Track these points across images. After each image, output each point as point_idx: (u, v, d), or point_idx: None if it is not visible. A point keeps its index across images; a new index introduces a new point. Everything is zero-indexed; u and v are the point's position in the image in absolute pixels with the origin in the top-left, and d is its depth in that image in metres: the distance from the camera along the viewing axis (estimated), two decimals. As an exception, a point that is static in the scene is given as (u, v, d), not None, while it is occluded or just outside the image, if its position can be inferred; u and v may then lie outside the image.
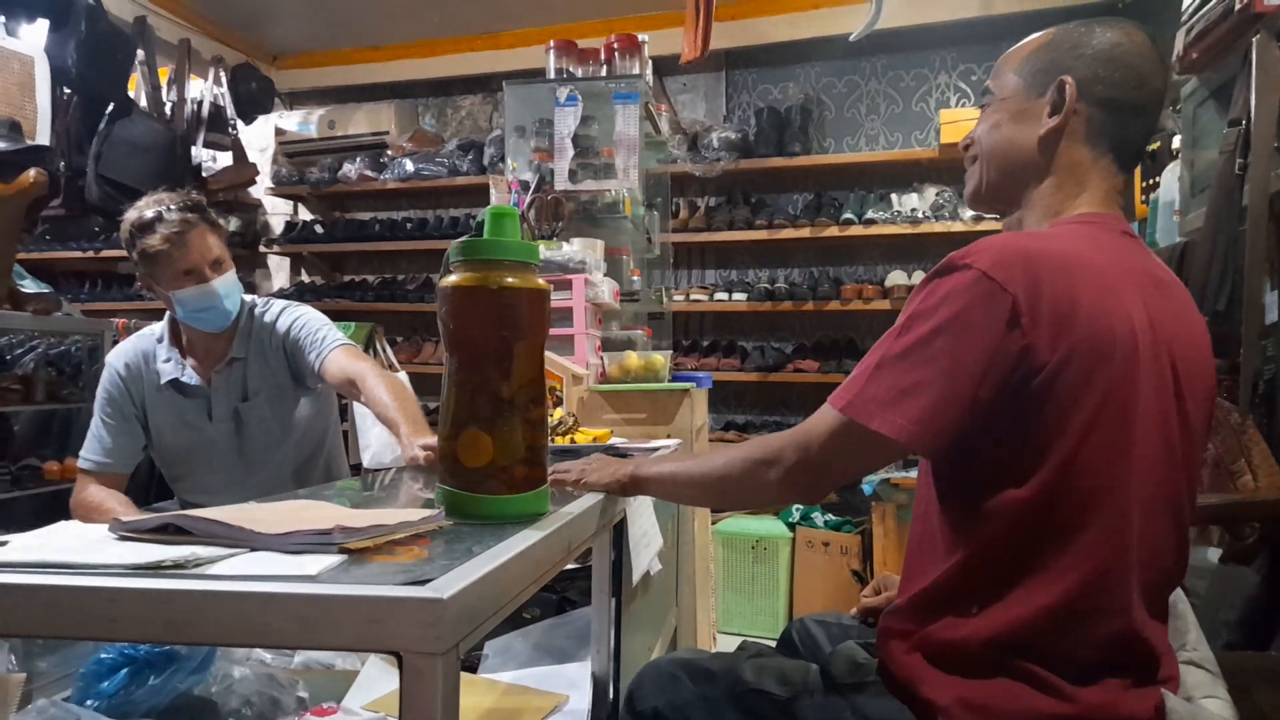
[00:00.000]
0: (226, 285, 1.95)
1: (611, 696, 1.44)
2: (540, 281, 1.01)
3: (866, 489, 3.57)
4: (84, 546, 0.78)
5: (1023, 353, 0.92)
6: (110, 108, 3.70)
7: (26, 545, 0.79)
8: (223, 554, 0.75)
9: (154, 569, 0.71)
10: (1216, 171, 1.84)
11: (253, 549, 0.78)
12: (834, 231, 4.02)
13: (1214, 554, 1.72)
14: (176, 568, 0.71)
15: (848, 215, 4.02)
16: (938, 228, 3.84)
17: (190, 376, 2.01)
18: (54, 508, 3.27)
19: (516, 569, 0.79)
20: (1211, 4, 1.95)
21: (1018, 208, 1.15)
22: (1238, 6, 1.83)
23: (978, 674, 0.95)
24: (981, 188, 1.17)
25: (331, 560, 0.74)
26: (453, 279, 0.97)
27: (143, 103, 4.06)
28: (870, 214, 3.99)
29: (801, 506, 3.78)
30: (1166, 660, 1.02)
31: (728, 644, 3.43)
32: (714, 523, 3.60)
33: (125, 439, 2.01)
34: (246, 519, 0.82)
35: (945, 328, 0.93)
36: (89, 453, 2.00)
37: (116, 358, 2.05)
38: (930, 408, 0.93)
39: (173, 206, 1.89)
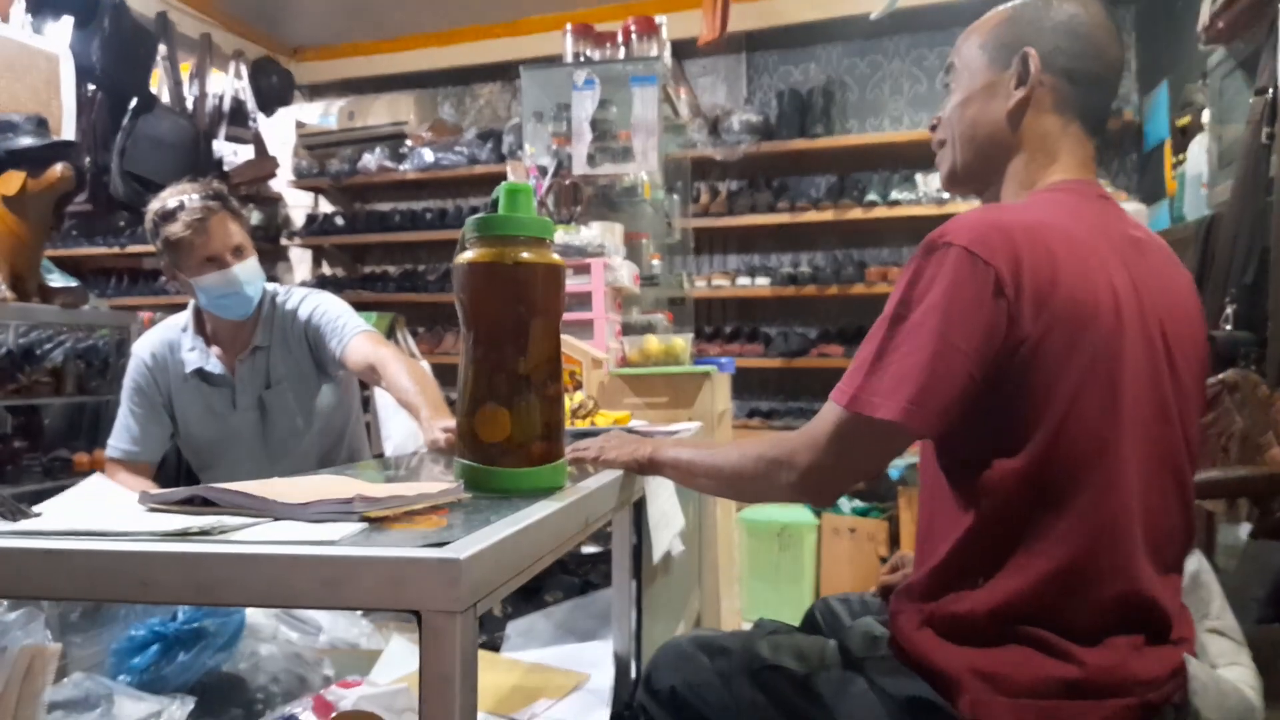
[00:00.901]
0: (248, 271, 1.97)
1: (634, 675, 1.44)
2: (555, 257, 1.01)
3: (893, 474, 3.55)
4: (115, 516, 0.80)
5: (1009, 323, 0.93)
6: (134, 104, 3.75)
7: (61, 510, 0.81)
8: (247, 523, 0.77)
9: (182, 535, 0.72)
10: (1243, 142, 1.81)
11: (276, 518, 0.79)
12: (858, 214, 4.00)
13: (1245, 530, 1.70)
14: (204, 534, 0.72)
15: (871, 197, 4.00)
16: (962, 207, 3.80)
17: (215, 365, 2.04)
18: (86, 497, 3.32)
19: (533, 536, 0.79)
20: (1238, -28, 1.92)
21: (992, 185, 1.16)
22: (1265, -26, 1.79)
23: (987, 643, 0.96)
24: (956, 169, 1.18)
25: (352, 528, 0.75)
26: (468, 255, 0.98)
27: (165, 98, 4.11)
28: (894, 195, 3.96)
29: (825, 491, 3.76)
30: (1180, 620, 1.02)
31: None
32: (738, 510, 3.59)
33: (153, 428, 2.04)
34: (269, 491, 0.83)
35: (935, 308, 0.94)
36: (117, 441, 2.03)
37: (142, 347, 2.08)
38: (932, 389, 0.93)
39: (195, 195, 1.92)
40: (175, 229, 1.89)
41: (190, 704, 1.15)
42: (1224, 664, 1.15)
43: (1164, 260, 1.08)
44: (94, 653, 1.26)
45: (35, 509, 0.82)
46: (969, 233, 0.95)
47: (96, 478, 0.85)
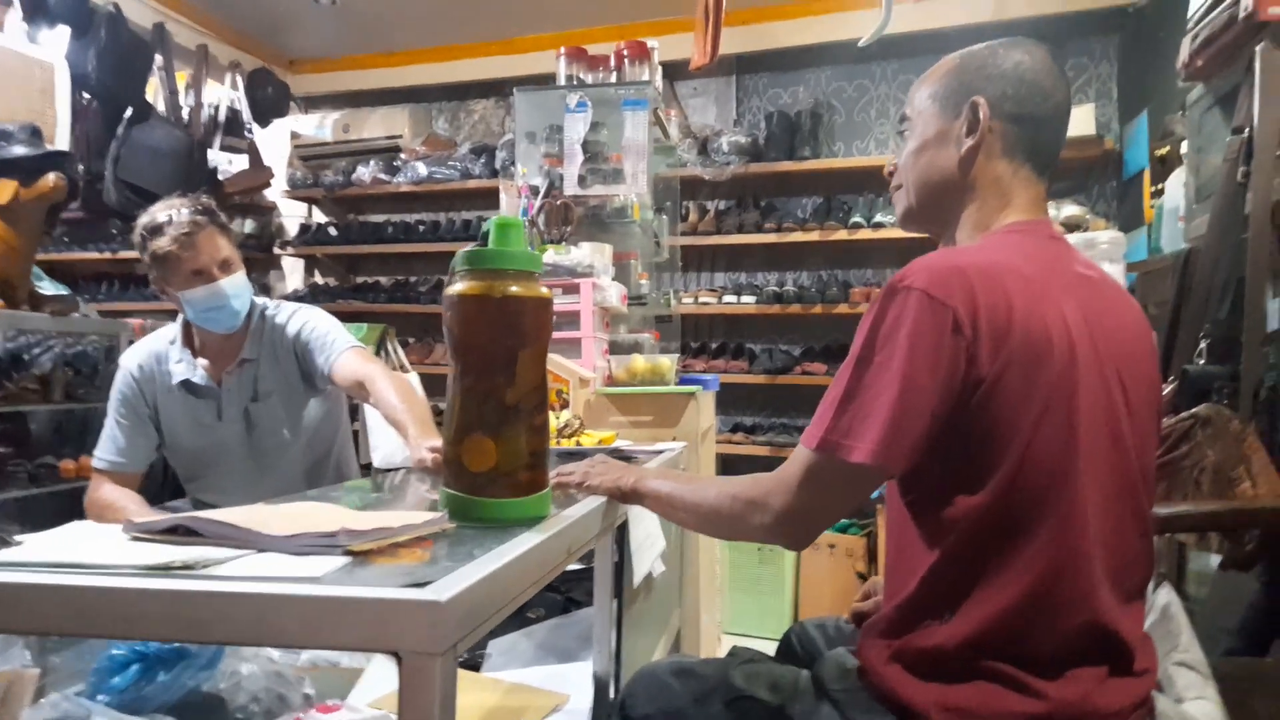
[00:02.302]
0: (235, 285, 1.98)
1: (612, 696, 1.46)
2: (543, 290, 1.03)
3: (873, 492, 3.57)
4: (97, 547, 0.81)
5: (969, 363, 0.96)
6: (129, 113, 3.76)
7: (41, 546, 0.82)
8: (230, 555, 0.78)
9: (165, 569, 0.73)
10: (1220, 179, 1.85)
11: (260, 550, 0.80)
12: (843, 235, 4.04)
13: (1214, 560, 1.73)
14: (187, 568, 0.74)
15: (857, 219, 4.04)
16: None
17: (201, 377, 2.05)
18: (71, 505, 3.31)
19: (516, 571, 0.81)
20: (1217, 11, 1.95)
21: (947, 227, 1.20)
22: (1242, 15, 1.83)
23: (953, 678, 0.97)
24: (912, 211, 1.22)
25: (336, 562, 0.76)
26: (458, 288, 1.00)
27: (160, 107, 4.12)
28: (879, 218, 4.00)
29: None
30: (1142, 651, 1.04)
31: (733, 645, 3.44)
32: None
33: (139, 439, 2.05)
34: (254, 521, 0.84)
35: (898, 350, 0.96)
36: (103, 452, 2.04)
37: (130, 359, 2.09)
38: (900, 429, 0.95)
39: (183, 210, 1.93)
40: (162, 244, 1.91)
41: (171, 724, 1.15)
42: (1190, 698, 1.18)
43: (1115, 297, 1.12)
44: (73, 674, 1.26)
45: (17, 539, 0.83)
46: (927, 276, 0.98)
47: (78, 524, 0.86)
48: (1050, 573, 0.97)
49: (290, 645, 0.72)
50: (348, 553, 0.79)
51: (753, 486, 1.07)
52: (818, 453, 0.99)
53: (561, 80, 3.04)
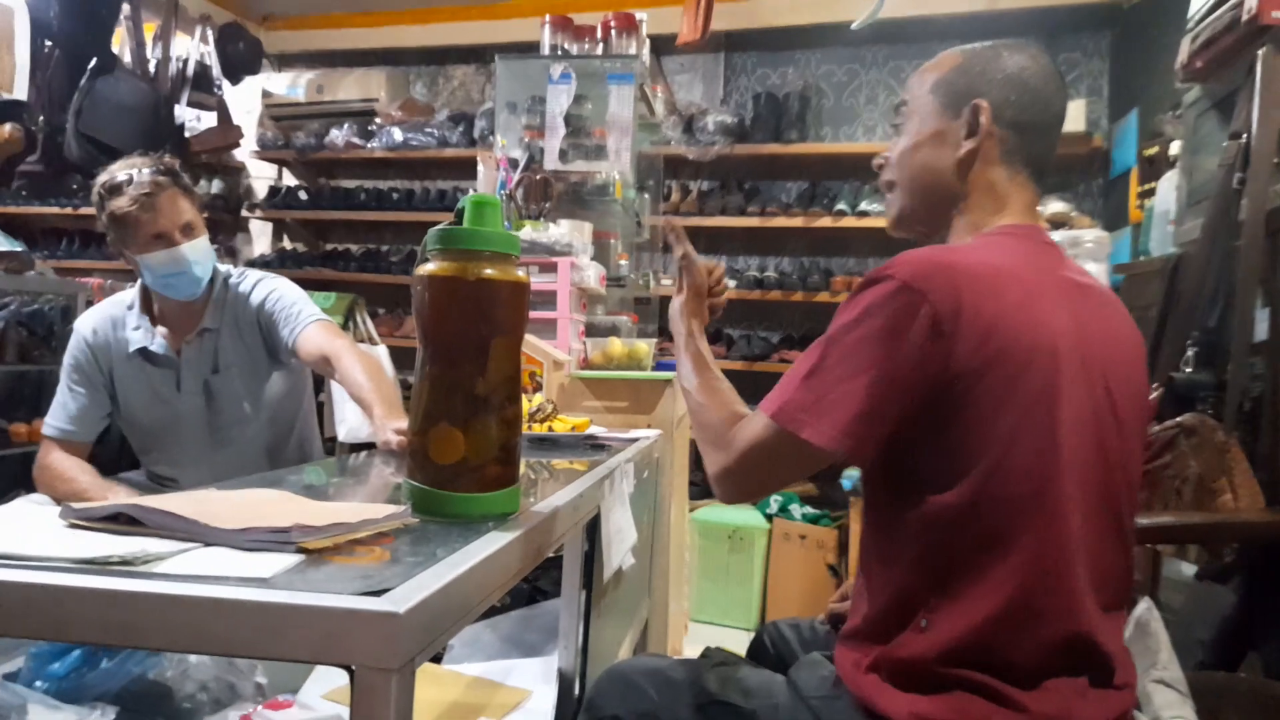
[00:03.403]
0: (197, 251, 1.90)
1: (577, 693, 1.41)
2: (521, 274, 0.97)
3: (846, 484, 3.56)
4: (31, 536, 0.75)
5: (944, 361, 0.93)
6: (93, 63, 3.61)
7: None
8: (174, 549, 0.72)
9: (101, 565, 0.67)
10: (1215, 184, 1.82)
11: (207, 544, 0.74)
12: (827, 222, 4.00)
13: (1189, 569, 1.72)
14: (124, 564, 0.68)
15: (841, 206, 3.99)
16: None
17: (159, 345, 1.96)
18: (21, 471, 3.21)
19: (481, 574, 0.76)
20: (1219, 13, 1.92)
21: (938, 230, 1.17)
22: (1245, 17, 1.80)
23: (931, 689, 0.95)
24: (905, 213, 1.19)
25: (287, 560, 0.71)
26: (429, 268, 0.94)
27: (126, 59, 3.97)
28: (864, 205, 3.96)
29: (780, 497, 3.77)
30: (1121, 663, 1.02)
31: (700, 633, 3.43)
32: (691, 510, 3.58)
33: (91, 407, 1.97)
34: (203, 511, 0.78)
35: (870, 338, 0.95)
36: (54, 419, 1.96)
37: (85, 324, 2.00)
38: (857, 417, 0.94)
39: (144, 169, 1.84)
40: (121, 204, 1.82)
41: (111, 714, 1.10)
42: (1168, 717, 1.16)
43: (1107, 305, 1.10)
44: (6, 659, 1.19)
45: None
46: (911, 269, 0.96)
47: (19, 503, 0.80)
48: (1031, 583, 0.94)
49: (233, 654, 0.66)
50: (301, 550, 0.74)
51: (729, 429, 1.07)
52: (773, 421, 0.99)
53: (545, 49, 2.95)
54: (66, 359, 1.98)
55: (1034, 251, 1.07)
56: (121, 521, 0.79)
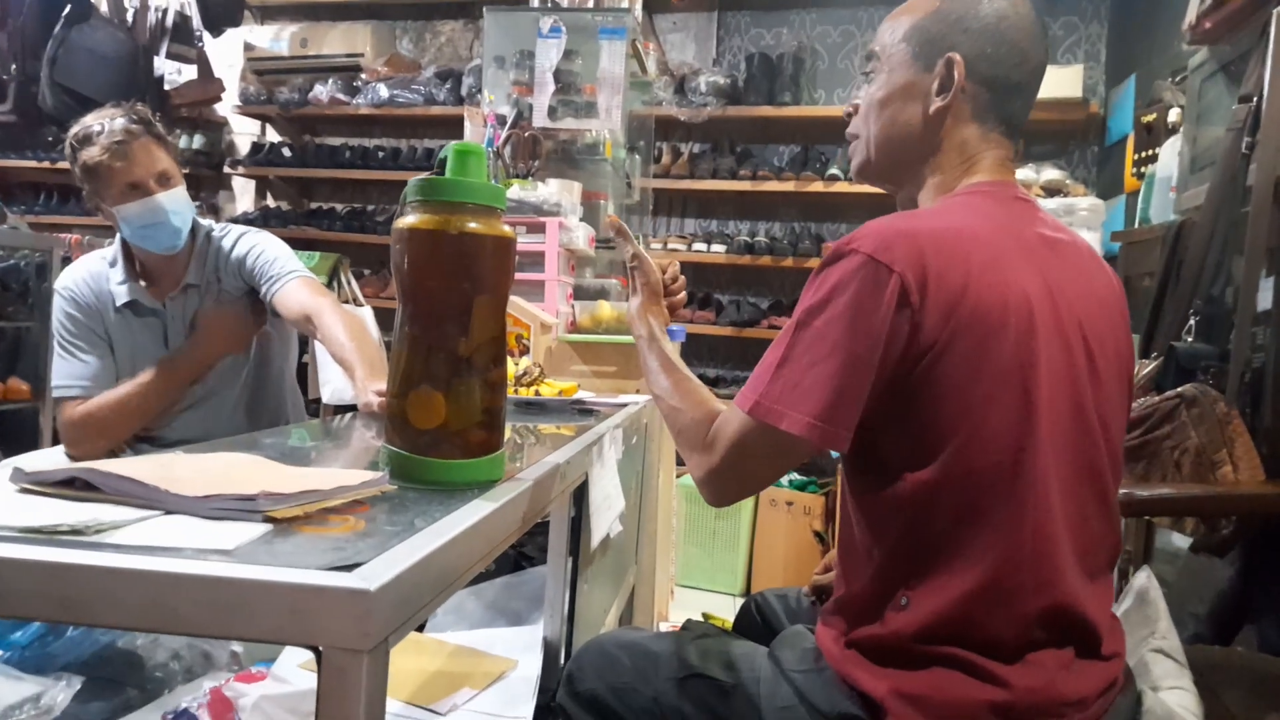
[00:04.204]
0: (174, 201, 1.83)
1: (563, 662, 1.38)
2: (506, 229, 0.92)
3: (834, 453, 3.54)
4: (-24, 500, 0.70)
5: (913, 331, 0.90)
6: (67, 10, 3.49)
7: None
8: (132, 517, 0.67)
9: (49, 534, 0.62)
10: (1221, 149, 1.77)
11: (167, 512, 0.70)
12: (819, 187, 3.93)
13: (1183, 541, 1.70)
14: (74, 534, 0.63)
15: (833, 171, 3.93)
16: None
17: (146, 299, 1.91)
18: (-3, 428, 3.15)
19: (462, 546, 0.71)
20: (1231, -28, 1.86)
21: (904, 186, 1.13)
22: (1258, -24, 1.74)
23: (911, 665, 0.93)
24: (869, 166, 1.15)
25: (253, 530, 0.66)
26: (409, 220, 0.88)
27: (103, 8, 3.85)
28: (853, 165, 3.90)
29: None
30: (1110, 633, 1.00)
31: (686, 599, 3.42)
32: (678, 476, 3.56)
33: (104, 359, 1.91)
34: (166, 476, 0.73)
35: (839, 317, 0.92)
36: (70, 379, 1.88)
37: (72, 282, 1.93)
38: (835, 402, 0.91)
39: (117, 119, 1.77)
40: (93, 154, 1.75)
41: (77, 685, 1.05)
42: (1166, 686, 1.14)
43: (1084, 261, 1.06)
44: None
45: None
46: (874, 240, 0.93)
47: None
48: (1011, 556, 0.92)
49: (189, 634, 0.62)
50: (268, 519, 0.69)
51: (708, 428, 1.03)
52: (750, 416, 0.95)
53: (535, 2, 2.86)
54: (60, 321, 1.91)
55: (1004, 210, 1.03)
56: (76, 487, 0.74)
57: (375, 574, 0.57)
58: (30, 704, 0.98)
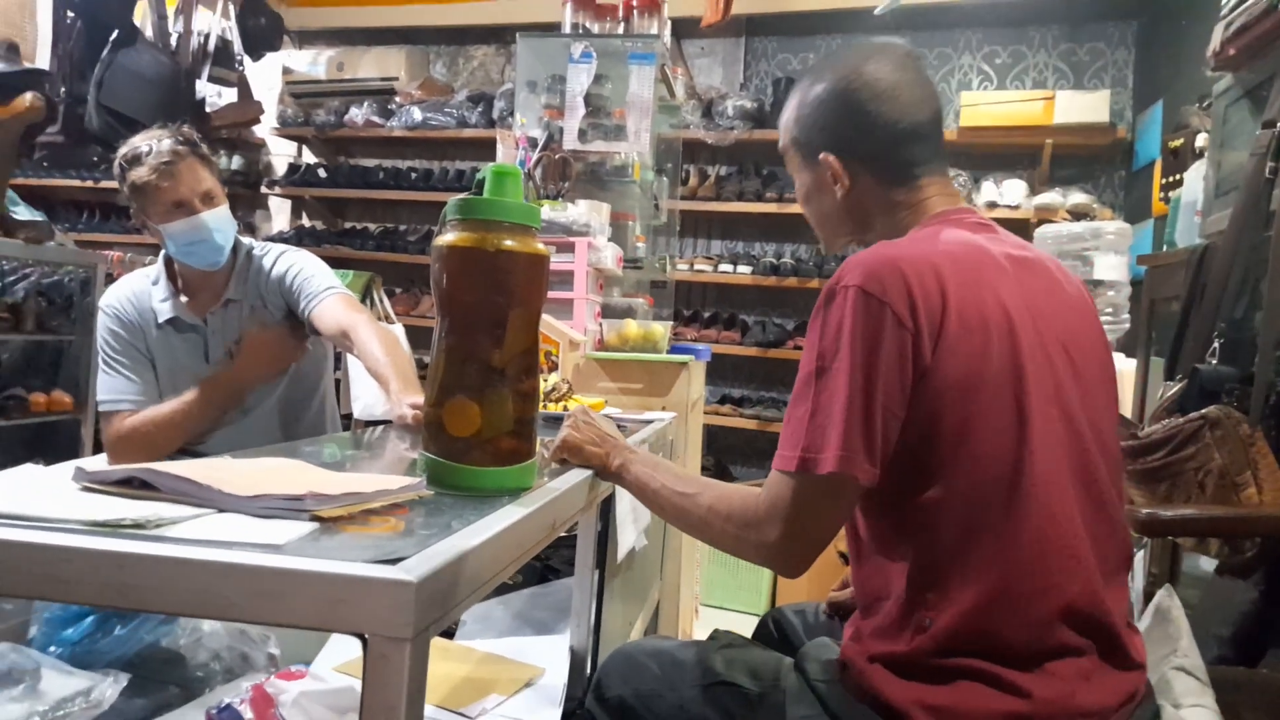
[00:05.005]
0: (217, 219, 1.90)
1: (589, 672, 1.41)
2: (540, 247, 0.96)
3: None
4: (43, 497, 0.74)
5: (915, 354, 0.94)
6: (114, 35, 3.61)
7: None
8: (187, 514, 0.72)
9: (113, 528, 0.67)
10: (1245, 174, 1.78)
11: (219, 510, 0.74)
12: (844, 209, 3.95)
13: (1209, 564, 1.69)
14: (136, 527, 0.67)
15: (859, 194, 3.95)
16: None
17: (187, 315, 1.98)
18: (38, 439, 3.24)
19: (495, 548, 0.75)
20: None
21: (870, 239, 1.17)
22: (1281, 3, 1.76)
23: (934, 678, 0.95)
24: (829, 244, 1.23)
25: (301, 528, 0.70)
26: (448, 238, 0.93)
27: (148, 32, 3.96)
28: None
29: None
30: (1129, 640, 1.01)
31: (710, 618, 3.42)
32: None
33: (148, 374, 1.97)
34: (216, 477, 0.78)
35: (847, 354, 0.94)
36: (114, 394, 1.94)
37: (116, 300, 2.00)
38: (858, 432, 0.93)
39: (164, 140, 1.85)
40: (141, 173, 1.83)
41: (123, 681, 1.10)
42: (1188, 704, 1.14)
43: (1052, 275, 1.10)
44: (23, 622, 1.20)
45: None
46: (861, 273, 0.96)
47: (27, 467, 0.79)
48: (1017, 562, 0.95)
49: (243, 620, 0.66)
50: (314, 518, 0.73)
51: (743, 509, 1.01)
52: (802, 474, 0.95)
53: (567, 28, 2.92)
54: (104, 337, 1.97)
55: (968, 234, 1.07)
56: (134, 486, 0.78)
57: (417, 567, 0.61)
58: (81, 697, 1.03)
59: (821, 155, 1.12)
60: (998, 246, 1.07)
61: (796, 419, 0.97)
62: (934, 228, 1.08)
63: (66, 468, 0.84)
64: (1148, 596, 1.62)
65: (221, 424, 2.00)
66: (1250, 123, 1.96)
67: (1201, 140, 2.52)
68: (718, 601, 3.67)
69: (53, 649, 1.14)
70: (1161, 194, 3.01)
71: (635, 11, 2.90)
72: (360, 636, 0.59)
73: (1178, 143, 2.85)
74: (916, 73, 1.14)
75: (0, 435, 3.09)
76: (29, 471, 0.84)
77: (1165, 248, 2.50)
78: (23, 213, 3.13)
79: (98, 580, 0.62)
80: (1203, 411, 1.55)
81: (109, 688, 1.06)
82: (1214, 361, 1.72)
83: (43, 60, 3.28)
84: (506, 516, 0.81)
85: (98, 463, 2.26)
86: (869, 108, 1.10)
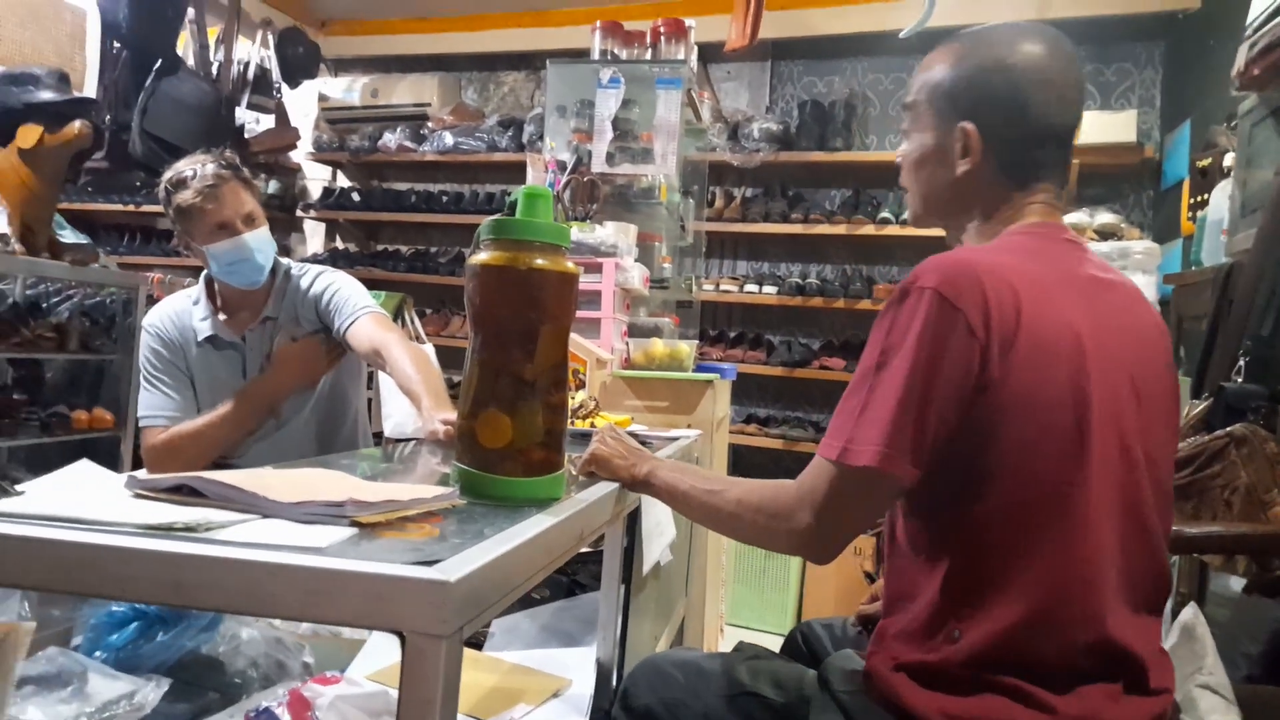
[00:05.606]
0: (259, 240, 1.97)
1: (615, 683, 1.43)
2: (570, 265, 1.00)
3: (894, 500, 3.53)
4: (99, 502, 0.79)
5: (981, 365, 0.93)
6: (158, 64, 3.73)
7: (43, 495, 0.80)
8: (234, 519, 0.75)
9: (166, 530, 0.71)
10: (1271, 192, 1.79)
11: (264, 516, 0.78)
12: (870, 230, 3.98)
13: (1238, 583, 1.68)
14: (188, 530, 0.71)
15: (885, 214, 3.97)
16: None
17: (226, 332, 2.04)
18: (80, 455, 3.31)
19: (526, 554, 0.78)
20: (1279, 19, 1.89)
21: (956, 230, 1.17)
22: (1306, 23, 1.77)
23: (960, 690, 0.95)
24: (920, 216, 1.20)
25: (342, 533, 0.74)
26: (482, 257, 0.97)
27: (190, 61, 4.08)
28: (908, 214, 3.94)
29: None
30: (1158, 669, 1.00)
31: (735, 636, 3.43)
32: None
33: (187, 391, 2.04)
34: (261, 485, 0.82)
35: (910, 354, 0.94)
36: (154, 410, 2.01)
37: (158, 319, 2.07)
38: (904, 432, 0.93)
39: (207, 164, 1.93)
40: (186, 196, 1.90)
41: (165, 685, 1.14)
42: (1212, 722, 1.15)
43: (1131, 302, 1.09)
44: (69, 628, 1.24)
45: (19, 487, 0.80)
46: (939, 276, 0.96)
47: (82, 463, 0.84)
48: (1059, 588, 0.94)
49: (288, 617, 0.69)
50: (354, 524, 0.77)
51: (774, 499, 1.02)
52: (843, 464, 0.96)
53: (595, 54, 2.98)
54: (146, 355, 2.05)
55: (1054, 250, 1.06)
56: (184, 493, 0.83)
57: (453, 569, 0.64)
58: (125, 700, 1.07)
59: (962, 124, 1.08)
60: (1080, 266, 1.06)
61: (847, 410, 0.98)
62: (1023, 238, 1.07)
63: (120, 476, 0.88)
64: (1175, 615, 1.61)
65: (257, 437, 2.06)
66: (1276, 141, 1.97)
67: (1229, 160, 2.52)
68: (743, 621, 3.67)
69: (98, 654, 1.18)
70: (1190, 213, 3.00)
71: (662, 38, 2.96)
72: (399, 634, 0.63)
73: (1206, 162, 2.85)
74: (1079, 75, 1.12)
75: (44, 451, 3.17)
76: (84, 467, 0.89)
77: (1193, 267, 2.49)
78: (69, 236, 3.23)
79: (154, 579, 0.66)
80: (1228, 429, 1.55)
81: (152, 692, 1.10)
82: (1239, 379, 1.72)
83: (90, 88, 3.39)
84: (537, 524, 0.84)
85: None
86: (1030, 96, 1.07)
